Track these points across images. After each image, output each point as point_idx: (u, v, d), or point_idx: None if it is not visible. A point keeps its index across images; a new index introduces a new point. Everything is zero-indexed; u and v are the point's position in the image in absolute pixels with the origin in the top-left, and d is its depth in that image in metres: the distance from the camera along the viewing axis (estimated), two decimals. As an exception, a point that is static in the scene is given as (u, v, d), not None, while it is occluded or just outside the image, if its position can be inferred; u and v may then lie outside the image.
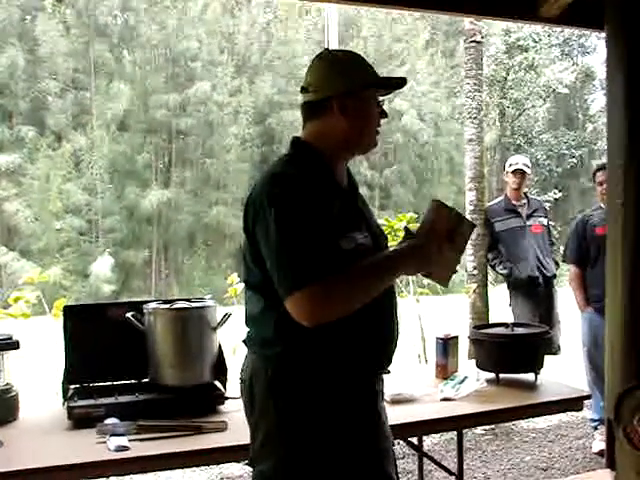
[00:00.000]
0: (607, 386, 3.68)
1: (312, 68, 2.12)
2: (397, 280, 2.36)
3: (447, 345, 3.41)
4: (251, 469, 2.09)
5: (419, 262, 2.03)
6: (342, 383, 1.99)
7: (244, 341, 2.12)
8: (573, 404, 3.18)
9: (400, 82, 2.16)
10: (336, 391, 1.98)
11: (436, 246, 2.02)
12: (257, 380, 2.03)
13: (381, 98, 2.16)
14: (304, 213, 1.89)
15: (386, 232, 2.48)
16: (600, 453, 4.82)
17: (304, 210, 1.90)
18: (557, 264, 5.90)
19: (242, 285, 2.11)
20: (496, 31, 26.92)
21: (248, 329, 2.11)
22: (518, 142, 28.34)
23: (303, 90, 2.12)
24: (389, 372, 2.20)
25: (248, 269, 2.05)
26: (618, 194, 3.46)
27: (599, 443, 4.89)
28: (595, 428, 5.00)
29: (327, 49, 2.24)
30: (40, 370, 5.56)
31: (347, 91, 2.05)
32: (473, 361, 3.47)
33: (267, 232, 1.90)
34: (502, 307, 5.92)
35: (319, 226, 1.90)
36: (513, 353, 3.28)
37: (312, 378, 1.97)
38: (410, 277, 6.06)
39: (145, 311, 2.93)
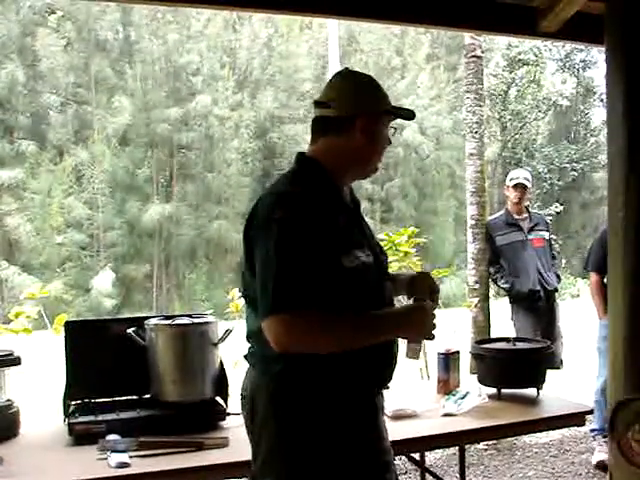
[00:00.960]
0: (609, 398, 3.67)
1: (334, 84, 2.14)
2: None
3: (449, 360, 3.40)
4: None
5: (410, 329, 2.07)
6: (343, 399, 2.00)
7: (245, 356, 2.12)
8: (575, 419, 3.18)
9: (411, 114, 2.18)
10: (337, 407, 1.98)
11: (424, 314, 2.08)
12: (258, 396, 2.03)
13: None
14: (303, 238, 1.90)
15: (386, 247, 2.48)
16: (599, 465, 4.83)
17: (304, 234, 1.90)
18: (559, 278, 5.90)
19: (243, 300, 2.10)
20: (497, 45, 27.01)
21: (249, 345, 2.11)
22: (519, 156, 28.41)
23: (321, 105, 2.12)
24: (388, 387, 2.20)
25: (247, 285, 2.05)
26: (618, 207, 3.46)
27: (598, 454, 4.89)
28: (593, 438, 5.00)
29: (347, 68, 2.25)
30: (41, 386, 5.56)
31: (372, 112, 2.09)
32: (475, 376, 3.47)
33: (263, 252, 1.92)
34: (504, 321, 5.91)
35: (317, 251, 1.90)
36: (515, 368, 3.28)
37: (313, 394, 1.97)
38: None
39: (146, 327, 2.93)
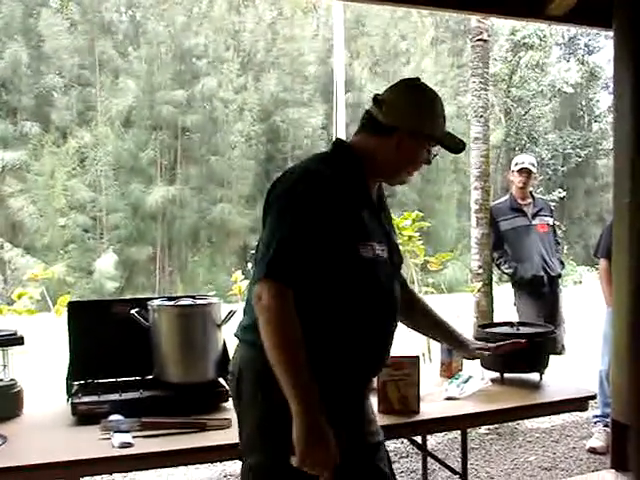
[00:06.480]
0: (613, 388, 3.67)
1: (396, 89, 2.18)
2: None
3: (452, 344, 3.39)
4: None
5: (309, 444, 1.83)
6: (333, 378, 1.99)
7: (235, 334, 2.11)
8: (578, 404, 3.17)
9: (458, 147, 2.17)
10: (326, 385, 1.94)
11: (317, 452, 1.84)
12: (245, 371, 2.03)
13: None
14: (319, 217, 1.92)
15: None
16: (591, 450, 4.85)
17: (320, 214, 1.92)
18: (562, 264, 5.89)
19: (247, 282, 2.09)
20: (503, 30, 26.89)
21: (242, 318, 2.11)
22: (523, 141, 28.35)
23: (376, 101, 2.14)
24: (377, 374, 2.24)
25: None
26: (624, 193, 3.44)
27: (594, 441, 4.90)
28: (594, 424, 5.00)
29: (418, 79, 2.24)
30: (44, 366, 5.57)
31: (412, 132, 2.09)
32: (478, 360, 3.46)
33: (275, 217, 1.94)
34: (507, 306, 5.90)
35: (329, 233, 1.92)
36: (518, 352, 3.26)
37: None
38: (415, 276, 6.04)
39: (150, 308, 2.93)
